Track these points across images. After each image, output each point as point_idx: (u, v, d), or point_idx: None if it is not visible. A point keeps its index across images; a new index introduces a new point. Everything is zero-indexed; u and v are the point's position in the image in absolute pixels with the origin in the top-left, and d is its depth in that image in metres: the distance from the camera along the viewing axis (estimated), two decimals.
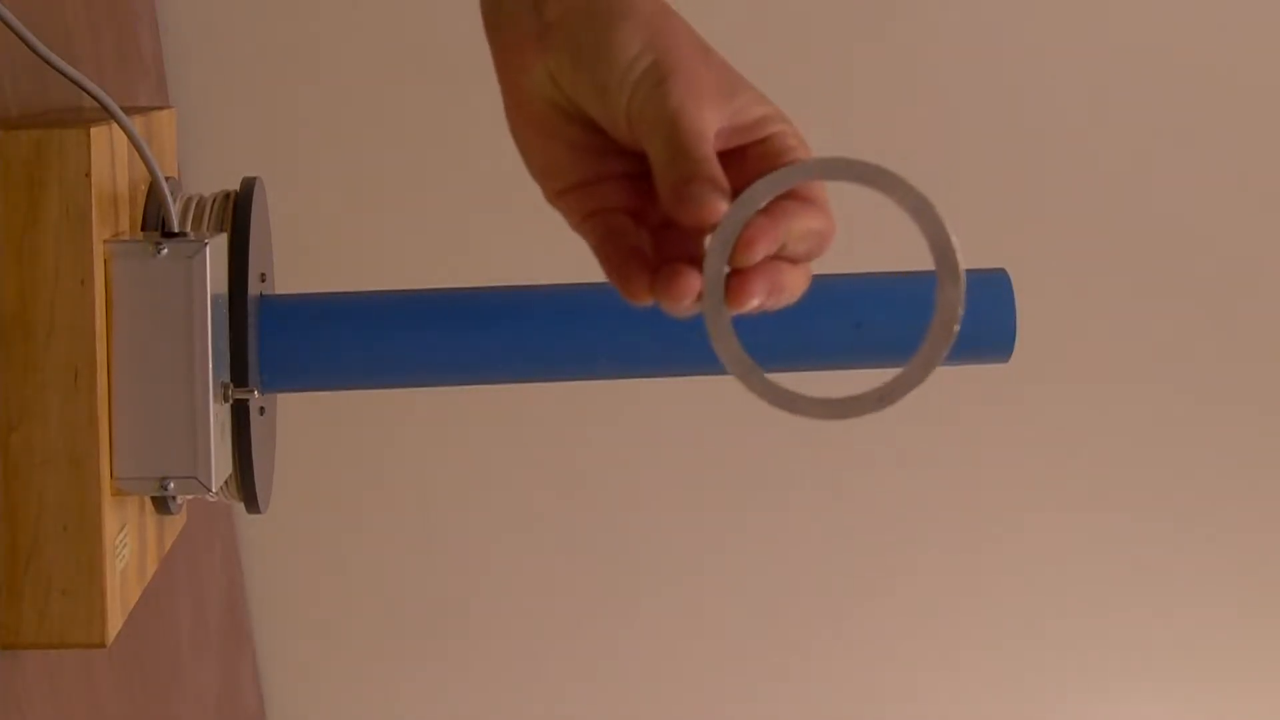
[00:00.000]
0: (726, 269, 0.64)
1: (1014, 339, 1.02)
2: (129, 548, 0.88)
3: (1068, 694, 1.94)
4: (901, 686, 1.94)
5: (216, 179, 1.04)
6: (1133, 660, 1.93)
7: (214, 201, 0.96)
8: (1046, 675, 1.93)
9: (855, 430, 1.72)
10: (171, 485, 0.87)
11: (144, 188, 0.93)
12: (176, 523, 1.02)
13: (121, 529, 0.87)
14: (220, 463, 0.90)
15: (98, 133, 0.85)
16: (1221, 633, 1.90)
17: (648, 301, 0.65)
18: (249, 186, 0.98)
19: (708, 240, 0.65)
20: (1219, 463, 1.84)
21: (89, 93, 0.84)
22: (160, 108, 1.15)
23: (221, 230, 0.94)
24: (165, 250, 0.86)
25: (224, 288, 0.92)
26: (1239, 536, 1.86)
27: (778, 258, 0.65)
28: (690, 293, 0.64)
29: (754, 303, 0.64)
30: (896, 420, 1.70)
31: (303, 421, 1.53)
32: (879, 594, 1.89)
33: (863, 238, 1.74)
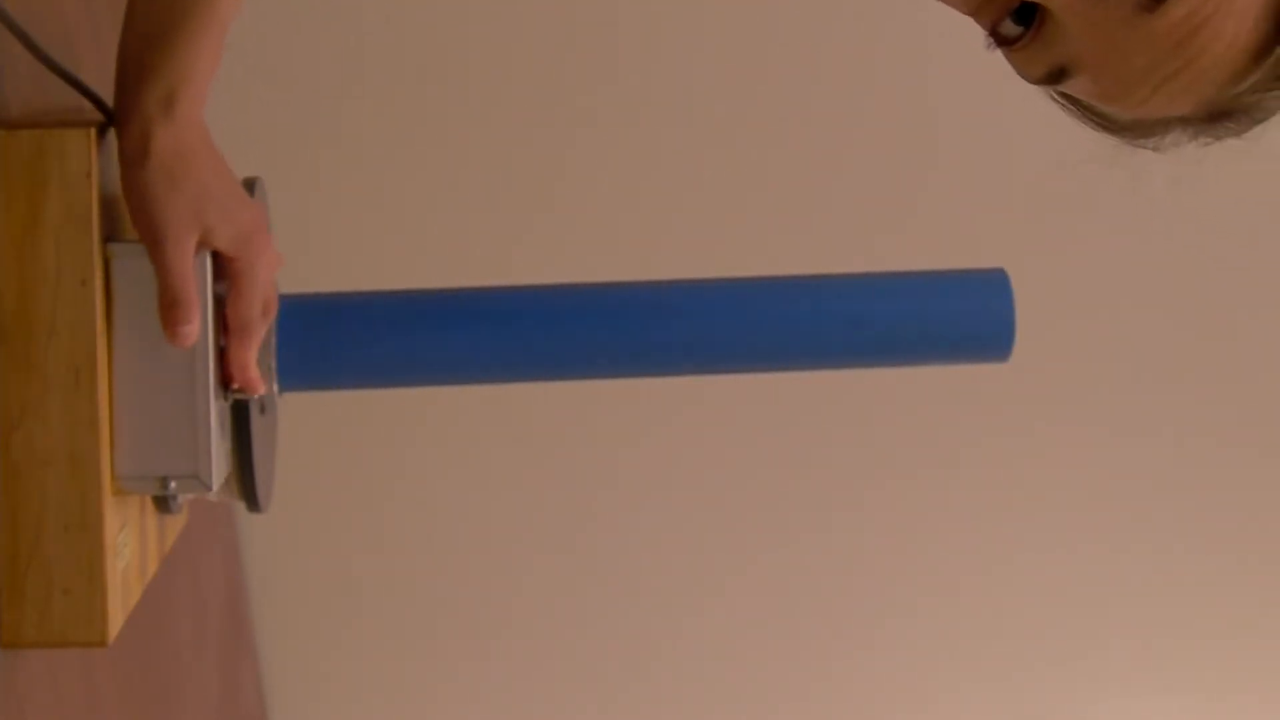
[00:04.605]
0: None
1: (1013, 338, 1.02)
2: (130, 547, 0.88)
3: (1074, 694, 1.94)
4: (908, 688, 1.94)
5: None
6: (1136, 661, 1.93)
7: None
8: (1050, 676, 1.93)
9: (856, 433, 1.73)
10: (172, 484, 0.87)
11: None
12: (177, 522, 1.02)
13: (122, 528, 0.87)
14: (220, 461, 0.89)
15: (99, 133, 0.85)
16: (1225, 632, 1.90)
17: None
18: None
19: None
20: (1221, 461, 1.84)
21: (89, 95, 0.84)
22: None
23: None
24: None
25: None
26: (1240, 535, 1.86)
27: None
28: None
29: None
30: (896, 423, 1.71)
31: (303, 421, 1.53)
32: (881, 597, 1.89)
33: (863, 238, 1.74)
